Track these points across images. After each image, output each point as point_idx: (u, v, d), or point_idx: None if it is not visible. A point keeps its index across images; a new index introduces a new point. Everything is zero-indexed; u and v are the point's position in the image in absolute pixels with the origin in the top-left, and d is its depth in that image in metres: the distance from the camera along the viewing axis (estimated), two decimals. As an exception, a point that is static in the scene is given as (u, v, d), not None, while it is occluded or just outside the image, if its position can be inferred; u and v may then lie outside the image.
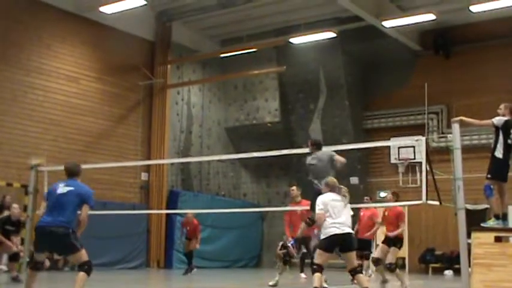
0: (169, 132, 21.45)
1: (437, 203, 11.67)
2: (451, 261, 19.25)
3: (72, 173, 8.06)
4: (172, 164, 21.04)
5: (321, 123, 22.80)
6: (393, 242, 12.13)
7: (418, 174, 20.67)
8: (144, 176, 20.68)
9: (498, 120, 8.82)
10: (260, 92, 23.72)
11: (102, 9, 18.13)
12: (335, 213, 8.49)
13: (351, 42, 21.44)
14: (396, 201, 12.32)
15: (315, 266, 8.51)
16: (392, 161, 21.79)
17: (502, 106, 9.03)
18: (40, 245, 7.75)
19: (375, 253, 13.14)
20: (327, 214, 8.46)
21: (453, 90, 21.17)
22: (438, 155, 19.29)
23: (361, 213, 15.75)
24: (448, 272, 19.33)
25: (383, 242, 12.34)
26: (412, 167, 21.31)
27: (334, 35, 19.39)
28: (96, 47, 19.57)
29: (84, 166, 13.55)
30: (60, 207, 7.62)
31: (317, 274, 8.40)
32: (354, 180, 22.30)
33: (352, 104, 22.55)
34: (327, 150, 10.73)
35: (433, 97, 21.05)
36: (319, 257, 8.50)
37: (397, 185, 21.76)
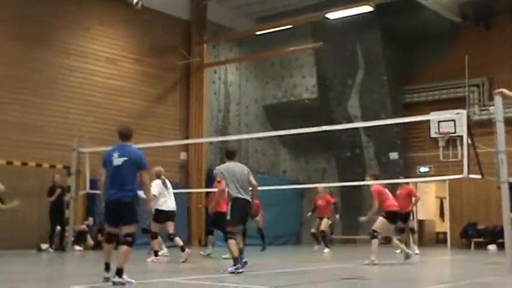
0: (207, 111, 21.54)
1: (479, 176, 11.55)
2: (494, 236, 19.01)
3: (124, 136, 8.30)
4: (210, 142, 21.15)
5: (359, 98, 22.61)
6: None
7: (459, 148, 20.37)
8: (183, 156, 20.86)
9: None
10: (297, 68, 23.60)
11: (138, -10, 18.18)
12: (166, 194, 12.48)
13: (388, 16, 21.11)
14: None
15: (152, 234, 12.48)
16: (433, 135, 21.50)
17: None
18: (111, 218, 8.05)
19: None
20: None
21: (495, 61, 20.71)
22: (480, 128, 19.04)
23: (398, 192, 15.77)
24: (492, 247, 19.09)
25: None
26: (452, 141, 21.01)
27: (371, 9, 19.07)
28: (133, 28, 19.70)
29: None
30: (121, 179, 7.91)
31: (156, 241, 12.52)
32: (394, 155, 22.13)
33: (390, 78, 22.28)
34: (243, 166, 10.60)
35: (474, 69, 20.62)
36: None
37: (437, 159, 21.53)
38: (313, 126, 14.26)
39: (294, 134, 15.70)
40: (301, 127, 14.49)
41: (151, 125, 19.81)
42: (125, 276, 7.64)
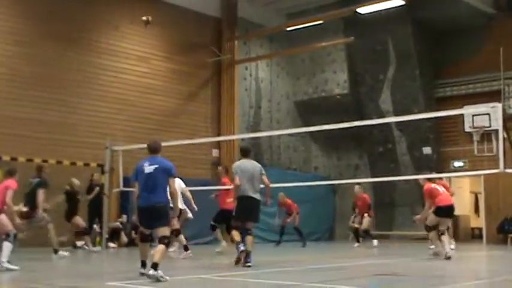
0: (239, 108, 21.57)
1: (515, 171, 11.34)
2: (531, 231, 18.71)
3: (153, 150, 8.80)
4: (242, 139, 21.16)
5: (391, 93, 22.41)
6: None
7: (494, 142, 20.08)
8: (215, 153, 20.91)
9: None
10: (328, 64, 23.48)
11: (168, -12, 18.27)
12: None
13: (420, 9, 20.86)
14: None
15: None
16: (467, 129, 21.23)
17: None
18: (145, 222, 8.56)
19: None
20: None
21: (531, 53, 20.35)
22: (515, 121, 18.69)
23: None
24: (529, 242, 18.79)
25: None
26: (487, 135, 20.71)
27: (403, 2, 18.86)
28: (163, 26, 19.79)
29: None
30: (153, 186, 8.42)
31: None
32: (427, 150, 21.91)
33: (422, 72, 22.05)
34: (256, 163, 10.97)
35: (509, 62, 20.28)
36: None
37: (472, 153, 21.24)
38: (344, 122, 14.18)
39: (325, 130, 15.60)
40: (333, 123, 14.41)
41: (183, 123, 19.92)
42: (160, 271, 7.88)
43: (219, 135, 20.73)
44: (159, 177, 8.43)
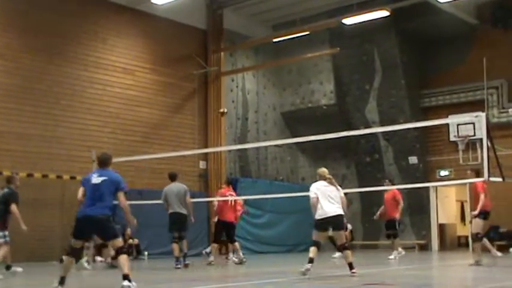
0: (226, 119, 21.58)
1: (500, 179, 11.45)
2: (517, 239, 18.82)
3: (103, 163, 8.60)
4: (229, 151, 21.18)
5: (377, 103, 22.55)
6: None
7: (478, 151, 20.22)
8: (202, 165, 20.90)
9: None
10: (314, 75, 23.58)
11: (154, 0, 18.32)
12: (326, 197, 11.15)
13: (405, 20, 21.05)
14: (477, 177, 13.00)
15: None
16: (452, 138, 21.38)
17: None
18: (80, 232, 8.22)
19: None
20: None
21: (513, 63, 20.56)
22: (499, 130, 18.92)
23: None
24: (514, 250, 18.90)
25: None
26: (472, 144, 20.86)
27: (388, 13, 19.03)
28: (149, 39, 19.83)
29: (142, 157, 14.31)
30: (98, 197, 8.15)
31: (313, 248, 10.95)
32: (413, 159, 22.03)
33: (408, 82, 22.20)
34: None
35: (493, 72, 20.48)
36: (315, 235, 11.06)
37: (457, 162, 21.37)
38: (331, 132, 14.23)
39: (312, 141, 15.66)
40: (320, 133, 14.46)
41: (169, 135, 19.91)
42: (133, 282, 7.87)
43: (206, 147, 20.72)
44: (106, 189, 8.16)
